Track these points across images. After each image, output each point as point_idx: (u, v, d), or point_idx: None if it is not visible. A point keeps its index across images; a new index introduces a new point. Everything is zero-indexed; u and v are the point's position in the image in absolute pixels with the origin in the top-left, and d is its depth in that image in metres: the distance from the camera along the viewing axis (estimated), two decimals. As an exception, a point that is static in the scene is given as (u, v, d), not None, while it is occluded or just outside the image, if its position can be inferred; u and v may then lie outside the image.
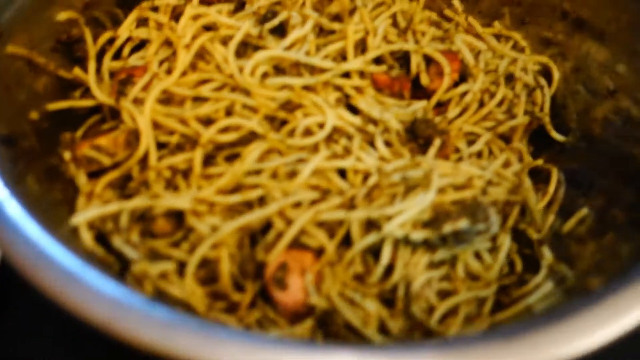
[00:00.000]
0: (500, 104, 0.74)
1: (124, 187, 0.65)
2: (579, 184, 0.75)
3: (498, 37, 0.85)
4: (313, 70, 0.69)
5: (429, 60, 0.74)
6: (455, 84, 0.75)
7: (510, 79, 0.76)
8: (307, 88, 0.68)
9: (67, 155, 0.65)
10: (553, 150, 0.79)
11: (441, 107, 0.75)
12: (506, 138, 0.75)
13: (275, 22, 0.71)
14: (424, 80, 0.73)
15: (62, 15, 0.69)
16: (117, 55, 0.74)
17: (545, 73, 0.81)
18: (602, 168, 0.74)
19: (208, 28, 0.73)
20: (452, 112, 0.73)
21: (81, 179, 0.65)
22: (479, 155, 0.73)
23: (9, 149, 0.56)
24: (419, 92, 0.75)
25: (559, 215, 0.73)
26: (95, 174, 0.65)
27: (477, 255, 0.66)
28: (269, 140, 0.65)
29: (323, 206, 0.62)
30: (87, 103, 0.69)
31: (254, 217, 0.61)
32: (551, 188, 0.75)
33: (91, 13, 0.75)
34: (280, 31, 0.72)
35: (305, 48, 0.69)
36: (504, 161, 0.71)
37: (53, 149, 0.65)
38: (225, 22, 0.71)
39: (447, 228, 0.60)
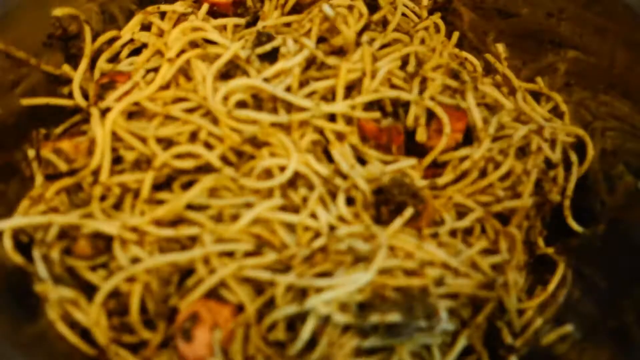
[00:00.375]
0: (504, 178, 0.64)
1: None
2: (590, 282, 0.63)
3: (538, 95, 0.73)
4: (291, 106, 0.63)
5: (434, 113, 0.65)
6: (459, 146, 0.65)
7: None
8: (280, 125, 0.63)
9: (31, 152, 0.65)
10: (572, 238, 0.68)
11: (439, 167, 0.66)
12: (506, 218, 0.64)
13: (267, 47, 0.66)
14: (420, 136, 0.65)
15: (58, 11, 0.68)
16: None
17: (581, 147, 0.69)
18: (622, 272, 0.62)
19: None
20: (445, 177, 0.64)
21: (38, 179, 0.64)
22: (469, 232, 0.64)
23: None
24: (418, 147, 0.66)
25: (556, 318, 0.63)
26: (52, 177, 0.64)
27: (427, 349, 0.58)
28: (222, 176, 0.60)
29: (251, 262, 0.56)
30: (62, 102, 0.68)
31: (178, 257, 0.57)
32: (551, 287, 0.64)
33: (107, 7, 0.74)
34: (273, 57, 0.66)
35: (287, 82, 0.63)
36: (487, 247, 0.61)
37: (17, 146, 0.65)
38: (218, 41, 0.67)
39: (374, 319, 0.52)
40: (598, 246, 0.64)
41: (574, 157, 0.68)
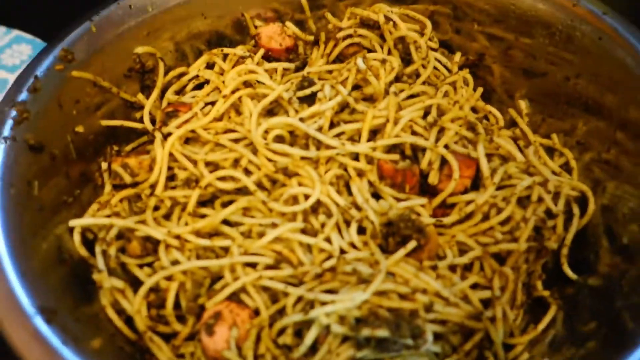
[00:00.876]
0: (504, 222, 0.71)
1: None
2: (578, 330, 0.69)
3: (553, 150, 0.80)
4: (321, 144, 0.73)
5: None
6: (467, 191, 0.73)
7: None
8: (310, 159, 0.73)
9: (104, 165, 0.78)
10: (568, 285, 0.73)
11: (448, 208, 0.74)
12: (504, 259, 0.71)
13: (307, 91, 0.76)
14: (432, 178, 0.73)
15: (140, 49, 0.81)
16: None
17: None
18: (609, 324, 0.67)
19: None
20: (451, 217, 0.72)
21: (107, 187, 0.77)
22: (469, 268, 0.71)
23: (35, 154, 0.69)
24: (430, 188, 0.74)
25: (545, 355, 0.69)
26: (118, 187, 0.77)
27: (415, 367, 0.65)
28: (255, 199, 0.71)
29: (270, 273, 0.66)
30: (134, 125, 0.81)
31: (210, 264, 0.67)
32: (540, 326, 0.70)
33: (181, 46, 0.87)
34: (312, 100, 0.77)
35: (320, 122, 0.73)
36: (481, 283, 0.68)
37: (93, 158, 0.78)
38: (266, 83, 0.78)
39: (365, 332, 0.61)
40: (585, 294, 0.70)
41: (576, 210, 0.74)
